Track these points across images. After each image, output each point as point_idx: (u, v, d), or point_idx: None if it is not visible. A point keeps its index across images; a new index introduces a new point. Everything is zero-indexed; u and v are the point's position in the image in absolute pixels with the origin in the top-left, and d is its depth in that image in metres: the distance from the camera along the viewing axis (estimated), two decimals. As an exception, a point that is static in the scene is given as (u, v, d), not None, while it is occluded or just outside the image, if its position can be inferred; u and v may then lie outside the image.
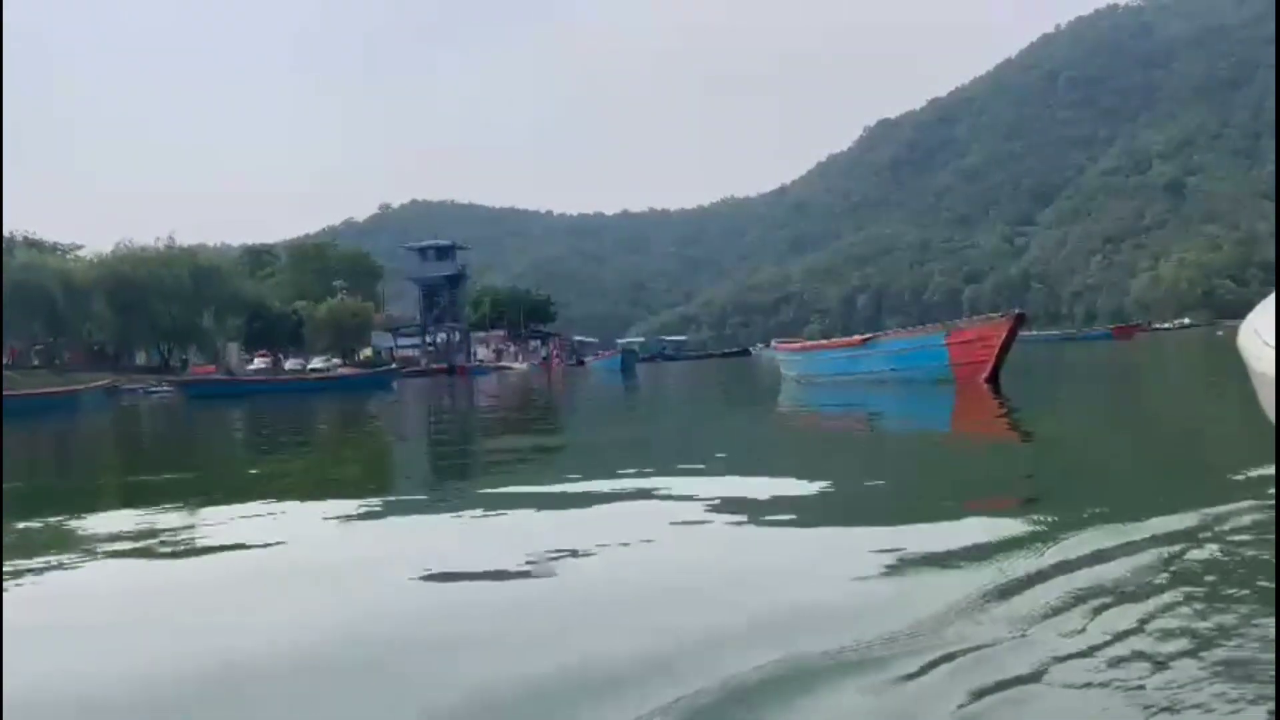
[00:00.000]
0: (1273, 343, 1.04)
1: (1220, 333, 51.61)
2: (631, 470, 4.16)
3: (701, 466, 4.36)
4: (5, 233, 50.93)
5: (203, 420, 13.55)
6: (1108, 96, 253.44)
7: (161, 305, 55.18)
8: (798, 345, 14.28)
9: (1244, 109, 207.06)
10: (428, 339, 73.88)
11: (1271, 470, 2.62)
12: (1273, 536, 2.00)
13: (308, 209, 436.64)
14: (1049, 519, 2.42)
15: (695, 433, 7.02)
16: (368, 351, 73.30)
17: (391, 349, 74.69)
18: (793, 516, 2.86)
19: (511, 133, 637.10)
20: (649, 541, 2.58)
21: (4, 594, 2.25)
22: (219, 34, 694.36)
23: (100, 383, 21.61)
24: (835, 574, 2.07)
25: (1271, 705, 1.19)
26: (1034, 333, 73.40)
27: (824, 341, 13.85)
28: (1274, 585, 1.57)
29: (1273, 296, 1.36)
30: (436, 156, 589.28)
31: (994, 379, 9.44)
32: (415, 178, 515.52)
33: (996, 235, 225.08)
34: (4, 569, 2.53)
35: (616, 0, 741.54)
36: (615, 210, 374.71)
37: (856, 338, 12.31)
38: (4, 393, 15.43)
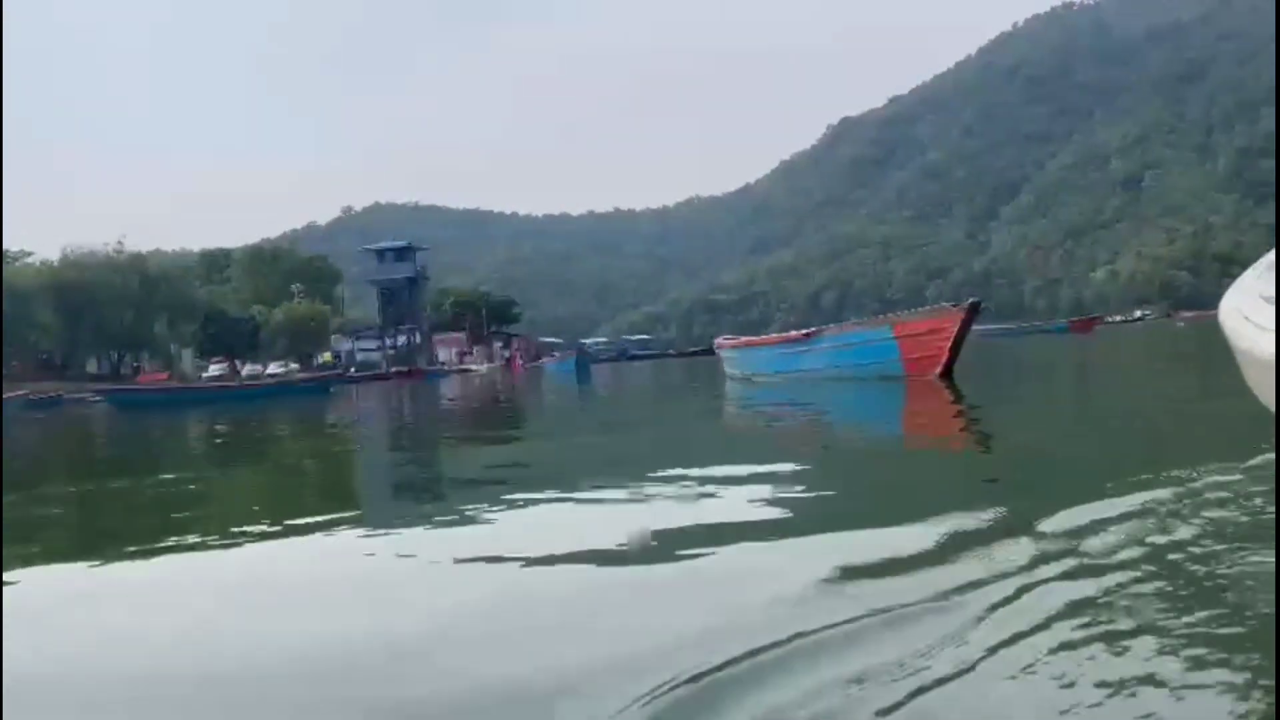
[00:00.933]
0: (1256, 320, 1.03)
1: (1180, 324, 51.97)
2: (530, 493, 3.66)
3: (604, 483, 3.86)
4: None
5: (111, 432, 12.86)
6: (1066, 93, 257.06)
7: (111, 312, 53.82)
8: (739, 342, 12.91)
9: (1198, 104, 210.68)
10: (387, 342, 72.87)
11: (1237, 461, 2.58)
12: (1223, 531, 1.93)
13: (268, 213, 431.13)
14: (1006, 523, 2.23)
15: (623, 441, 6.53)
16: (327, 355, 72.21)
17: (352, 352, 73.68)
18: (730, 522, 2.62)
19: (476, 134, 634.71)
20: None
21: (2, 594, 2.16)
22: (173, 35, 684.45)
23: (20, 393, 20.62)
24: (790, 574, 1.93)
25: (1264, 702, 1.17)
26: (989, 326, 73.74)
27: (765, 337, 12.64)
28: (1274, 585, 1.51)
29: (1247, 272, 1.36)
30: (400, 159, 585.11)
31: (947, 374, 8.77)
32: (378, 180, 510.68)
33: (959, 231, 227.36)
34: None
35: (581, 2, 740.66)
36: (581, 211, 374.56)
37: (798, 332, 11.27)
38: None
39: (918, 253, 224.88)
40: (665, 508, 2.97)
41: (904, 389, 8.31)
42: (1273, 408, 0.97)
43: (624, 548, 2.25)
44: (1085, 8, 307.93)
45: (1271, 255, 1.43)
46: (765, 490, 3.16)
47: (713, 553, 2.20)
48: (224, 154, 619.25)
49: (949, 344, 8.77)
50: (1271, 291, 1.13)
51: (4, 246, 59.29)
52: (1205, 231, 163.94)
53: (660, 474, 3.71)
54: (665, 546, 2.26)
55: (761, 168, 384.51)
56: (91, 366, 60.06)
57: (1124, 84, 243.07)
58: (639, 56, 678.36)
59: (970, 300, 9.15)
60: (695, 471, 3.74)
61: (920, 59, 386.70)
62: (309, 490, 4.69)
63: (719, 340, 14.00)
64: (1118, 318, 73.61)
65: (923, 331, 9.06)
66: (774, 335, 12.69)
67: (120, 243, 58.33)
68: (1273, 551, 1.72)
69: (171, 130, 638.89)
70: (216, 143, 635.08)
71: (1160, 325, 58.86)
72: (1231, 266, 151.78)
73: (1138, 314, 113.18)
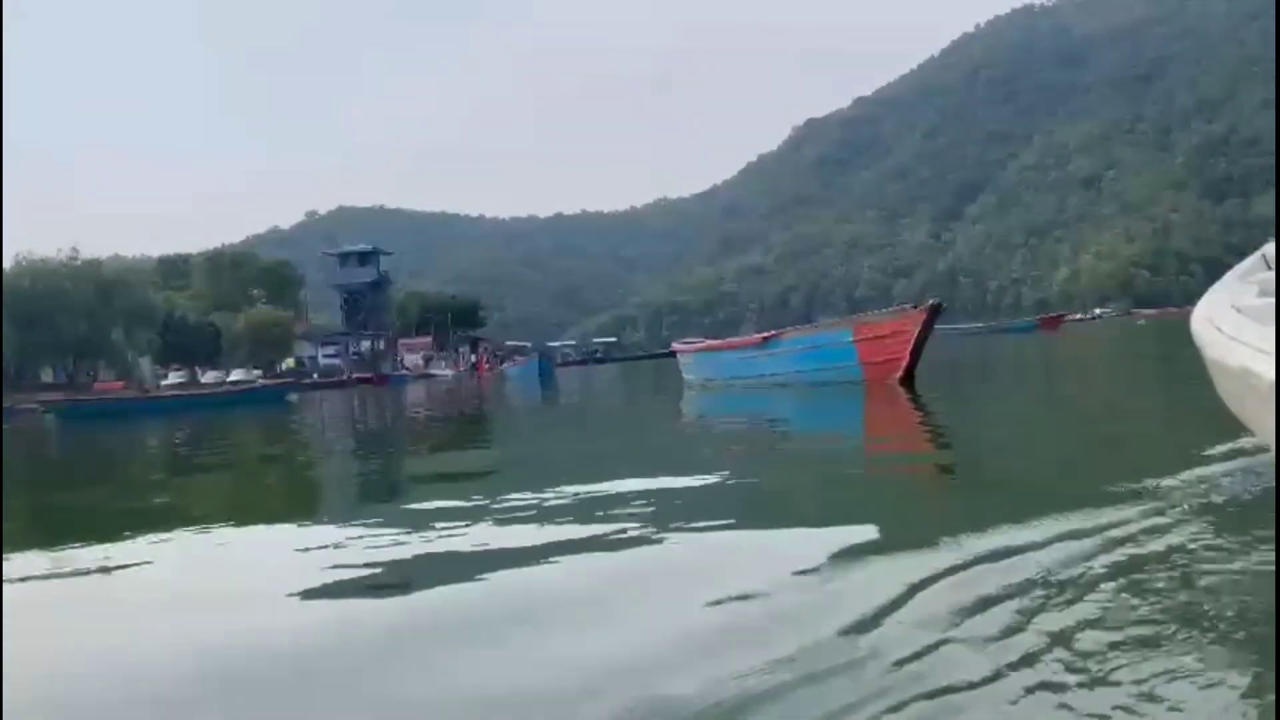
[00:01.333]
0: (1226, 330, 1.03)
1: (1141, 322, 52.46)
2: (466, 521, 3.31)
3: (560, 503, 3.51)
4: None
5: (34, 451, 12.27)
6: (1026, 94, 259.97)
7: (65, 320, 52.45)
8: (697, 346, 12.36)
9: (1155, 104, 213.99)
10: (351, 348, 71.82)
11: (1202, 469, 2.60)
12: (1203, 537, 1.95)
13: (231, 218, 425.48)
14: (970, 543, 2.09)
15: (578, 453, 6.15)
16: (291, 362, 71.08)
17: (316, 358, 72.56)
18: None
19: (441, 137, 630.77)
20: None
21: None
22: (131, 32, 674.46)
23: None
24: (751, 583, 1.91)
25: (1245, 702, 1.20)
26: (958, 326, 74.07)
27: (722, 341, 12.18)
28: (1274, 591, 1.52)
29: (1219, 281, 1.38)
30: (364, 162, 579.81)
31: (908, 379, 8.42)
32: (343, 184, 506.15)
33: (923, 231, 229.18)
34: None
35: (547, 2, 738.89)
36: (549, 213, 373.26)
37: (756, 336, 10.75)
38: None
39: (884, 252, 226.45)
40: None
41: (861, 395, 7.90)
42: (1240, 414, 0.98)
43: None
44: (1045, 9, 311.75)
45: (1244, 264, 1.51)
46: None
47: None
48: (181, 156, 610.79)
49: (909, 347, 8.43)
50: (1244, 301, 1.14)
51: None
52: (1164, 229, 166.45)
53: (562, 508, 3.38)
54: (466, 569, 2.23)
55: (729, 169, 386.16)
56: (47, 376, 58.64)
57: (1083, 84, 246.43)
58: (606, 58, 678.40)
59: (931, 301, 8.73)
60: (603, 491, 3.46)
61: (884, 60, 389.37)
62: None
63: (676, 344, 13.45)
64: (1078, 315, 73.97)
65: (883, 334, 8.69)
66: (732, 339, 12.10)
67: (74, 249, 56.94)
68: (1250, 552, 1.70)
69: (124, 132, 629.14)
70: (172, 144, 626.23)
71: (1122, 322, 59.50)
72: (1190, 264, 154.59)
73: (1097, 312, 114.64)
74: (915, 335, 8.39)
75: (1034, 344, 23.35)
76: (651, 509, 3.01)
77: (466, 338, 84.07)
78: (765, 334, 10.71)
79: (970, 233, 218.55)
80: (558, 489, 3.57)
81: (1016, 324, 62.67)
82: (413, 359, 73.57)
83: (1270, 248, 1.64)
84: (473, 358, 75.04)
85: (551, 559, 2.38)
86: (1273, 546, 1.74)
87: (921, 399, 7.21)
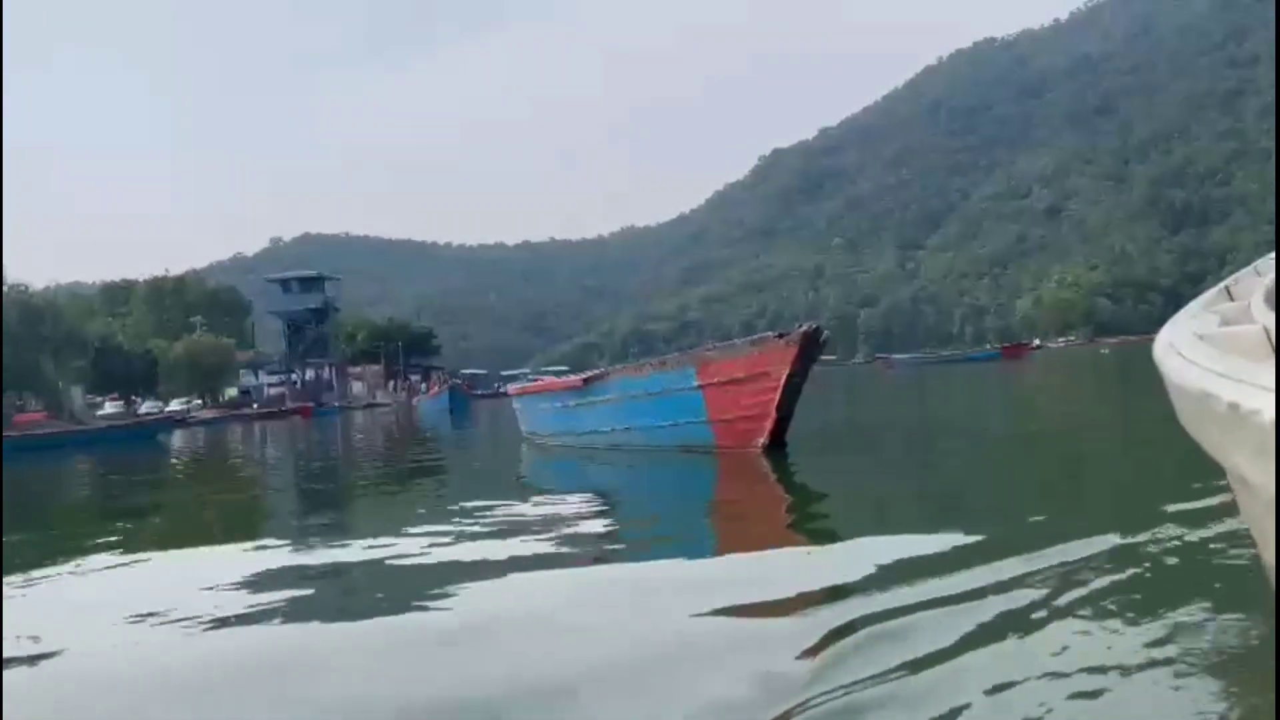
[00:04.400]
0: (1187, 355, 1.07)
1: (1104, 350, 52.06)
2: None
3: None
4: None
5: None
6: (987, 125, 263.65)
7: (-14, 347, 49.93)
8: (524, 389, 9.59)
9: (1111, 135, 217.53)
10: (293, 376, 69.54)
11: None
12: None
13: (193, 245, 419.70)
14: None
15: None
16: (232, 391, 68.82)
17: (260, 387, 70.28)
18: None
19: (409, 163, 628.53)
20: None
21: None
22: (83, 51, 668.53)
23: None
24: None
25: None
26: (919, 355, 73.49)
27: (547, 381, 9.22)
28: (1274, 587, 1.61)
29: (1184, 310, 1.45)
30: (330, 189, 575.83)
31: (777, 441, 5.70)
32: (309, 211, 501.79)
33: (888, 260, 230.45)
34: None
35: (512, 29, 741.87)
36: (516, 241, 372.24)
37: (577, 377, 8.10)
38: None
39: (848, 281, 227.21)
40: None
41: (709, 474, 5.43)
42: (1198, 436, 1.01)
43: None
44: (1005, 43, 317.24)
45: (1207, 295, 1.58)
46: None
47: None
48: (144, 178, 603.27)
49: (777, 397, 5.59)
50: (1205, 329, 1.19)
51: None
52: (1123, 258, 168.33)
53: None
54: None
55: (696, 198, 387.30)
56: (-27, 406, 55.98)
57: (1041, 116, 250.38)
58: (576, 87, 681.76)
59: (805, 327, 5.72)
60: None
61: (849, 92, 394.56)
62: None
63: (510, 388, 11.07)
64: (1036, 342, 73.73)
65: (738, 377, 5.79)
66: (554, 379, 9.39)
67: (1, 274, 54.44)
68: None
69: (81, 148, 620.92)
70: (135, 167, 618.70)
71: (1085, 350, 59.07)
72: (1148, 292, 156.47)
73: (1061, 341, 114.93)
74: (784, 379, 5.57)
75: (996, 375, 22.19)
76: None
77: (419, 366, 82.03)
78: (588, 374, 8.04)
79: (933, 262, 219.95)
80: None
81: (979, 353, 62.00)
82: (360, 388, 71.53)
83: (1232, 280, 1.65)
84: (423, 386, 73.15)
85: None
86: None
87: (796, 485, 4.81)
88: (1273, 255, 1.65)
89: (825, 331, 5.91)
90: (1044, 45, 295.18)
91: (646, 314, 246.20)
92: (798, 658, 1.63)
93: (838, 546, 2.81)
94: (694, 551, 3.01)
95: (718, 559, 2.99)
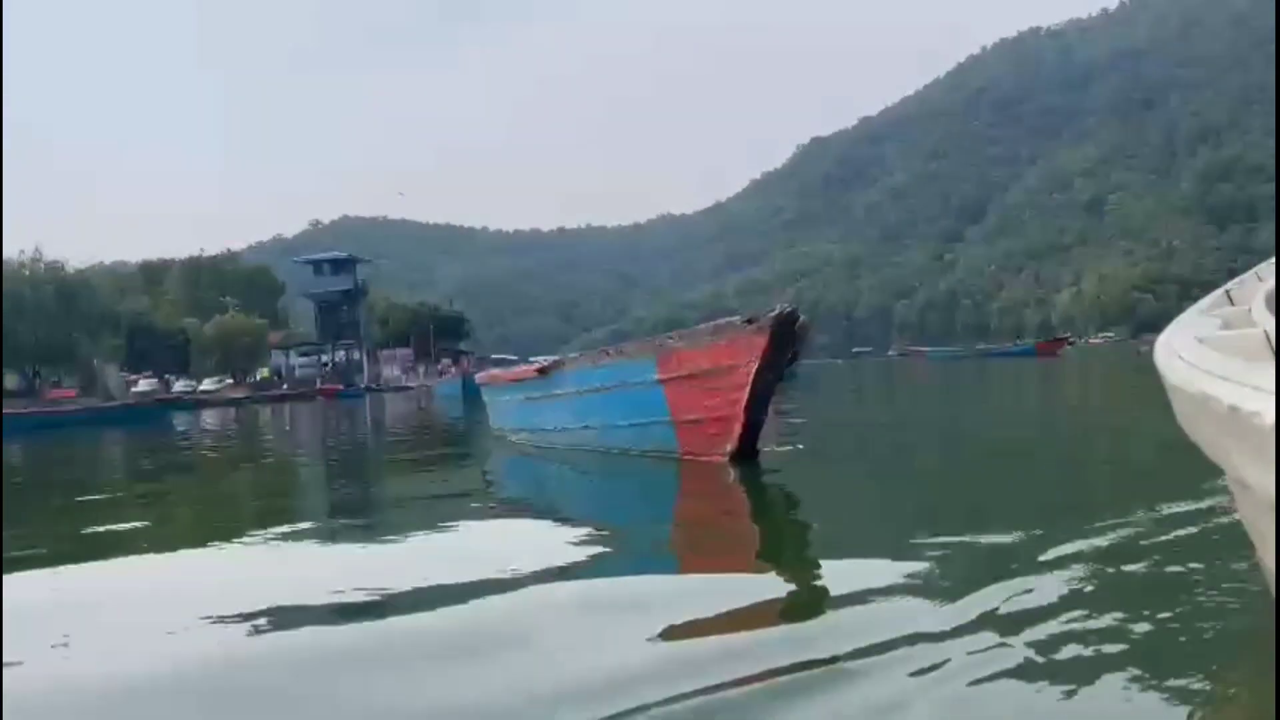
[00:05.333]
0: (1186, 357, 1.09)
1: (1143, 349, 50.80)
2: None
3: None
4: None
5: None
6: (1030, 117, 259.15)
7: (23, 325, 50.73)
8: (491, 376, 8.35)
9: (1157, 129, 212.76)
10: (323, 358, 70.05)
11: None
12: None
13: (237, 227, 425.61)
14: None
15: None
16: (264, 371, 69.51)
17: (292, 368, 70.94)
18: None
19: (447, 148, 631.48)
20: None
21: None
22: (137, 43, 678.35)
23: None
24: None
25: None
26: (953, 348, 72.30)
27: (511, 371, 7.74)
28: (1274, 588, 1.64)
29: (1182, 318, 1.47)
30: (370, 173, 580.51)
31: (747, 448, 4.71)
32: (348, 195, 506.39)
33: (925, 252, 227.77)
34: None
35: (554, 18, 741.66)
36: (552, 227, 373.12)
37: (533, 365, 6.99)
38: None
39: (885, 272, 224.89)
40: None
41: (667, 496, 4.35)
42: (1196, 437, 1.02)
43: None
44: (1051, 32, 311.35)
45: (1208, 299, 1.62)
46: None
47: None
48: (189, 162, 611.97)
49: (745, 395, 4.60)
50: (1205, 333, 1.21)
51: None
52: (1167, 254, 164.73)
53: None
54: None
55: (733, 186, 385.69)
56: (10, 382, 57.04)
57: (1087, 108, 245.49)
58: (615, 76, 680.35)
59: (778, 309, 4.60)
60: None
61: (890, 81, 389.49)
62: None
63: (479, 375, 9.72)
64: (1071, 338, 72.33)
65: (701, 370, 4.81)
66: (517, 368, 7.86)
67: (38, 250, 55.31)
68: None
69: (132, 135, 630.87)
70: (183, 152, 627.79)
71: (1121, 348, 57.99)
72: (1191, 289, 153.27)
73: (1099, 337, 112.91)
74: (754, 372, 4.58)
75: (1026, 371, 21.55)
76: None
77: (450, 350, 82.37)
78: (543, 361, 7.00)
79: (972, 254, 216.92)
80: None
81: (1014, 348, 60.82)
82: (390, 371, 71.95)
83: (1233, 284, 1.70)
84: (452, 370, 73.43)
85: None
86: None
87: (768, 505, 3.89)
88: (1273, 260, 1.66)
89: (803, 316, 4.77)
90: (1091, 35, 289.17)
91: (680, 302, 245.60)
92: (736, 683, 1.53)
93: (798, 571, 2.45)
94: (638, 569, 2.62)
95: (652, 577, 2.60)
